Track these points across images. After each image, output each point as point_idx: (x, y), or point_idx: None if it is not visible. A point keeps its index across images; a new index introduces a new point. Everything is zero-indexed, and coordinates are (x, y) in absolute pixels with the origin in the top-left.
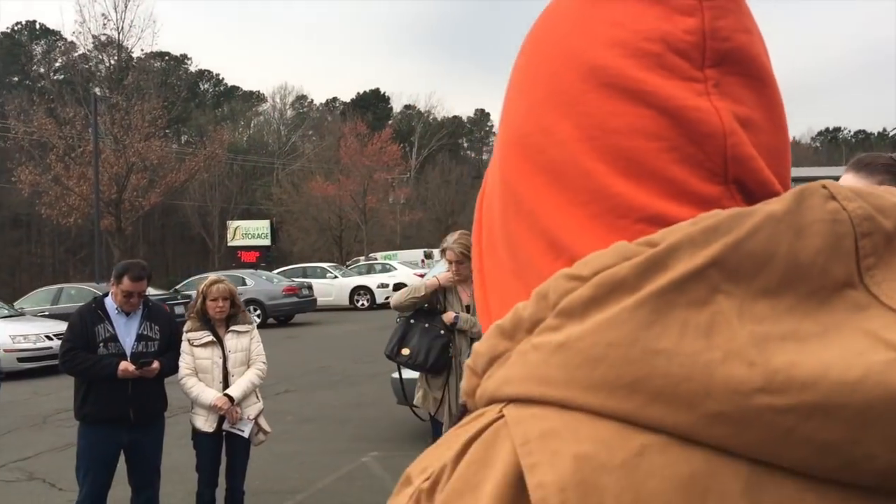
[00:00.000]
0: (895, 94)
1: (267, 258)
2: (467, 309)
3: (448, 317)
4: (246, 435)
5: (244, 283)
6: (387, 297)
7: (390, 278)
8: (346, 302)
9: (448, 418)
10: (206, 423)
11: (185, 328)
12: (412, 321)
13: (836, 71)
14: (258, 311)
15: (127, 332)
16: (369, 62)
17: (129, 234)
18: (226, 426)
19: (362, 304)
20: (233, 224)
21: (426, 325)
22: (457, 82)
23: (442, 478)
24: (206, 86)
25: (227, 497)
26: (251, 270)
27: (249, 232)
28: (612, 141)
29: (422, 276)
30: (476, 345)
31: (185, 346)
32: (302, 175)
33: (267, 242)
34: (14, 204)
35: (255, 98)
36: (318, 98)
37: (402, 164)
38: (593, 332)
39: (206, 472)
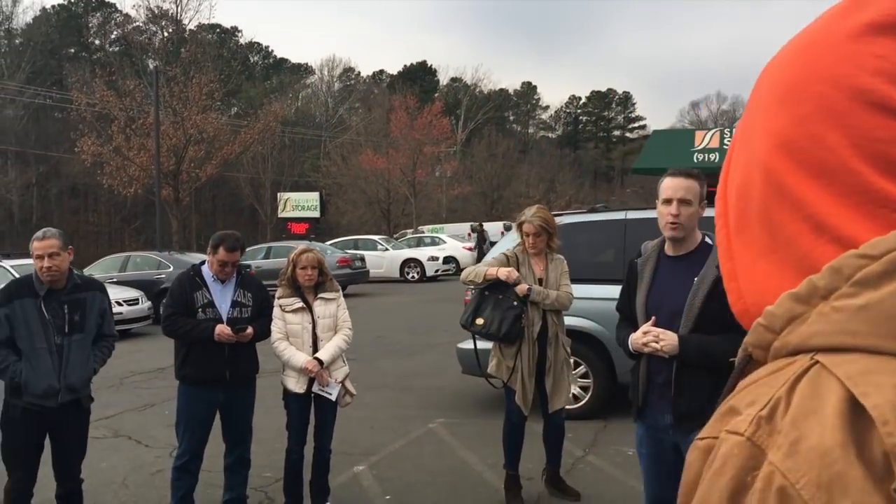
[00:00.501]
0: None
1: (316, 230)
2: (539, 282)
3: (521, 289)
4: (333, 397)
5: None
6: (437, 270)
7: (440, 251)
8: (396, 274)
9: (521, 386)
10: (296, 385)
11: (276, 295)
12: (486, 292)
13: None
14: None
15: (223, 298)
16: (416, 35)
17: (185, 205)
18: (315, 388)
19: (412, 277)
20: (284, 196)
21: (500, 297)
22: (504, 55)
23: (779, 406)
24: (255, 58)
25: (315, 455)
26: (305, 242)
27: (300, 204)
28: (876, 148)
29: (470, 249)
30: (769, 308)
31: (276, 311)
32: (350, 148)
33: (316, 214)
34: (73, 174)
35: (303, 70)
36: (366, 70)
37: (451, 137)
38: (890, 296)
39: (295, 430)
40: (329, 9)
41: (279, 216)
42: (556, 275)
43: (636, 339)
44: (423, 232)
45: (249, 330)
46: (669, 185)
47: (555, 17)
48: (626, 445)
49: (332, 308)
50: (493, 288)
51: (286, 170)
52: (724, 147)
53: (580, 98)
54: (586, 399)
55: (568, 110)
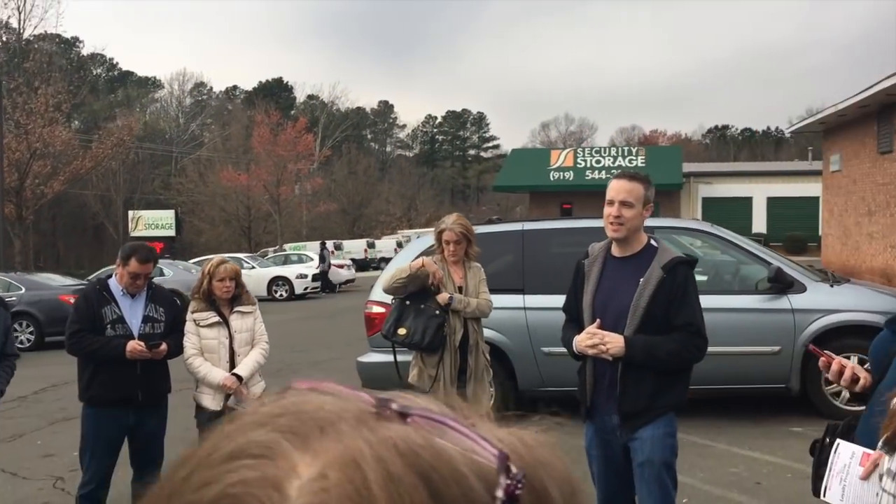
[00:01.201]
0: (778, 96)
1: (171, 249)
2: (460, 289)
3: (442, 298)
4: None
5: (162, 274)
6: (306, 288)
7: (308, 269)
8: (263, 292)
9: (443, 393)
10: (212, 402)
11: (190, 309)
12: (407, 302)
13: (726, 71)
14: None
15: (133, 313)
16: (271, 51)
17: (25, 224)
18: (232, 403)
19: (280, 295)
20: (136, 214)
21: (421, 306)
22: (361, 73)
23: None
24: (98, 70)
25: None
26: (168, 260)
27: (153, 222)
28: None
29: (339, 266)
30: None
31: (190, 326)
32: (208, 164)
33: (171, 233)
34: None
35: (150, 84)
36: (218, 86)
37: (312, 154)
38: None
39: None
40: (178, 22)
41: (132, 235)
42: (475, 282)
43: (581, 340)
44: (285, 250)
45: (163, 346)
46: (612, 187)
47: (411, 36)
48: None
49: (248, 322)
50: (414, 297)
51: (140, 186)
52: (578, 166)
53: (436, 117)
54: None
55: (425, 129)
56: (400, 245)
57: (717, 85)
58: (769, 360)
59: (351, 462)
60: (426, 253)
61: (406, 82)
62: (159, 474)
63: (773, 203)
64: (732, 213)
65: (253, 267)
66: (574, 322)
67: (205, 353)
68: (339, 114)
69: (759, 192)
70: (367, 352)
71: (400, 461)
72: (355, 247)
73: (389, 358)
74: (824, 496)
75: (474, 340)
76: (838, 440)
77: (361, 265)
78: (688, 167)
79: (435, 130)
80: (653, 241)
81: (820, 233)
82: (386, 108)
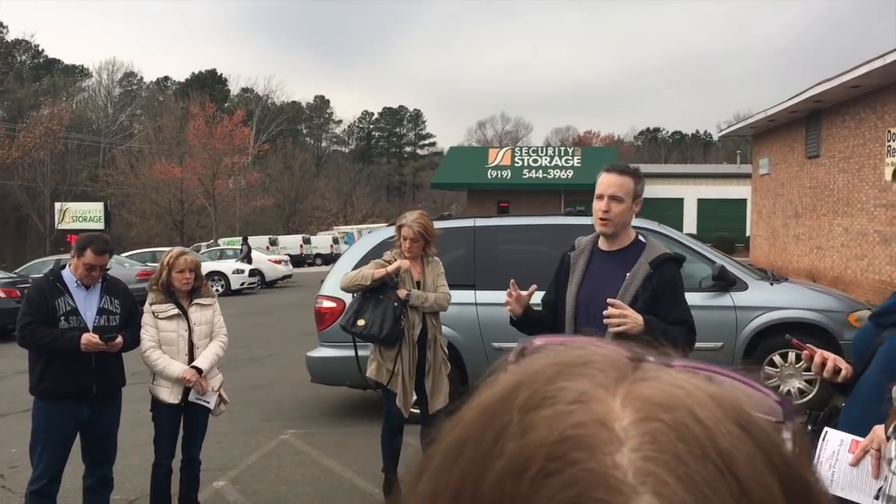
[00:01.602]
0: (707, 101)
1: None
2: (418, 285)
3: (401, 293)
4: (212, 406)
5: None
6: (242, 283)
7: (244, 264)
8: None
9: (402, 389)
10: (170, 395)
11: (148, 300)
12: (368, 294)
13: (656, 75)
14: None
15: (87, 305)
16: (205, 42)
17: None
18: (192, 397)
19: (216, 290)
20: (63, 206)
21: (380, 297)
22: (296, 68)
23: None
24: (23, 57)
25: (184, 468)
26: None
27: (81, 214)
28: None
29: (276, 262)
30: None
31: (148, 318)
32: (139, 156)
33: (100, 226)
34: None
35: (78, 73)
36: (149, 76)
37: (249, 147)
38: None
39: (165, 443)
40: (108, 10)
41: (58, 227)
42: (433, 276)
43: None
44: (219, 244)
45: (119, 339)
46: (602, 182)
47: (347, 32)
48: None
49: (208, 314)
50: (374, 290)
51: (68, 178)
52: (515, 165)
53: (373, 114)
54: None
55: (361, 125)
56: (336, 241)
57: (649, 88)
58: (712, 356)
59: (667, 404)
60: (379, 248)
61: (342, 77)
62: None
63: (704, 204)
64: (664, 213)
65: None
66: (550, 315)
67: (163, 345)
68: (274, 108)
69: (690, 194)
70: (317, 347)
71: (712, 403)
72: (291, 242)
73: (339, 353)
74: None
75: (432, 335)
76: (826, 428)
77: (297, 261)
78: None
79: (371, 126)
80: (641, 237)
81: (748, 233)
82: (322, 102)
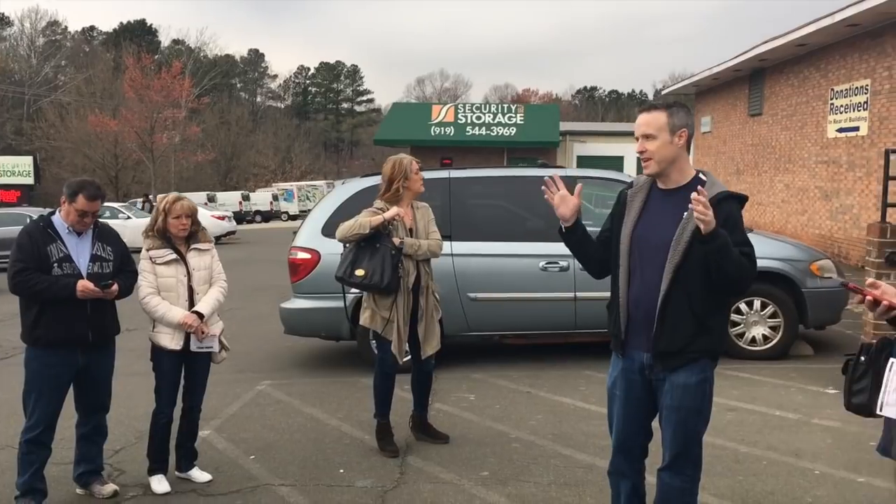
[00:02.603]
0: (643, 61)
1: (30, 198)
2: (410, 232)
3: (394, 243)
4: (216, 349)
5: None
6: None
7: None
8: (140, 244)
9: (397, 336)
10: (171, 341)
11: (145, 246)
12: (362, 244)
13: (594, 34)
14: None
15: (80, 252)
16: None
17: None
18: (193, 343)
19: None
20: None
21: (377, 245)
22: (229, 19)
23: None
24: None
25: (185, 416)
26: (35, 209)
27: (8, 169)
28: None
29: (220, 218)
30: None
31: (145, 264)
32: (70, 109)
33: (30, 181)
34: None
35: None
36: (74, 26)
37: (193, 101)
38: None
39: (168, 390)
40: None
41: None
42: (424, 223)
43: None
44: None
45: (115, 286)
46: (636, 124)
47: None
48: (464, 392)
49: (206, 259)
50: (369, 239)
51: None
52: (459, 122)
53: (309, 69)
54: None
55: (297, 80)
56: (275, 198)
57: (586, 47)
58: None
59: None
60: (353, 200)
61: (277, 31)
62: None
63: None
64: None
65: (129, 217)
66: (601, 247)
67: (162, 291)
68: (206, 61)
69: (630, 151)
70: (291, 298)
71: None
72: (230, 199)
73: (314, 304)
74: (881, 411)
75: (426, 282)
76: (892, 359)
77: (237, 218)
78: (563, 126)
79: (308, 82)
80: (701, 175)
81: None
82: (256, 56)
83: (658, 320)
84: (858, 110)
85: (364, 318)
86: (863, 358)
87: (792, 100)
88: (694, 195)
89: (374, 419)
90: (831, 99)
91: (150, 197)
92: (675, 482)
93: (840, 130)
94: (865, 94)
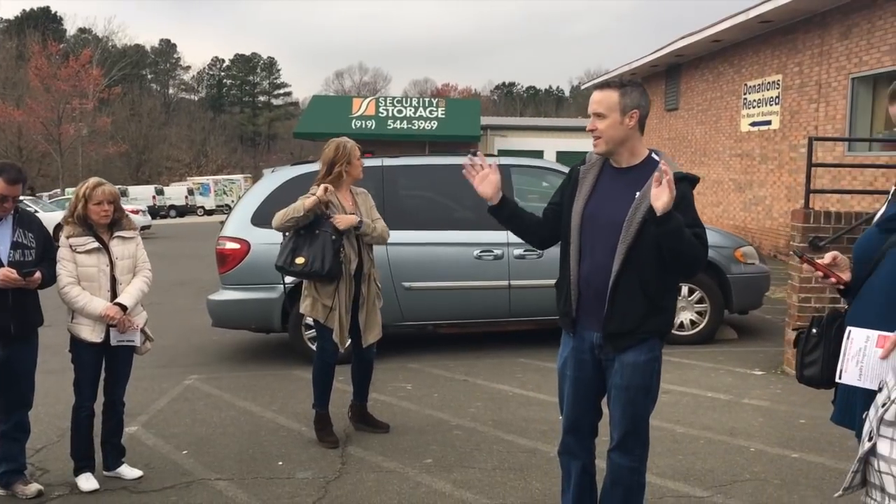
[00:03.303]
0: (559, 57)
1: None
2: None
3: (348, 220)
4: (138, 343)
5: None
6: None
7: None
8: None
9: (339, 324)
10: (92, 334)
11: (63, 234)
12: (301, 231)
13: (511, 30)
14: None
15: (0, 239)
16: None
17: None
18: (114, 336)
19: None
20: None
21: (316, 232)
22: (140, 8)
23: None
24: None
25: (107, 411)
26: None
27: None
28: None
29: (133, 212)
30: None
31: (65, 252)
32: None
33: None
34: None
35: None
36: None
37: (103, 91)
38: None
39: (88, 384)
40: None
41: None
42: (366, 208)
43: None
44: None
45: (38, 274)
46: (589, 101)
47: None
48: (401, 382)
49: (130, 248)
50: (308, 226)
51: None
52: (380, 115)
53: (224, 60)
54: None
55: (211, 72)
56: (191, 192)
57: (503, 42)
58: None
59: None
60: (283, 189)
61: (190, 21)
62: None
63: (562, 156)
64: None
65: (36, 211)
66: (550, 222)
67: (82, 281)
68: (115, 51)
69: (550, 146)
70: (219, 290)
71: None
72: (142, 193)
73: (243, 296)
74: (840, 379)
75: (368, 269)
76: (850, 328)
77: (151, 213)
78: (484, 120)
79: (223, 74)
80: (654, 155)
81: None
82: (168, 47)
83: (609, 301)
84: (770, 105)
85: (304, 307)
86: (814, 330)
87: (707, 95)
88: (663, 167)
89: (313, 410)
90: (745, 94)
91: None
92: (625, 461)
93: (753, 124)
94: (777, 89)
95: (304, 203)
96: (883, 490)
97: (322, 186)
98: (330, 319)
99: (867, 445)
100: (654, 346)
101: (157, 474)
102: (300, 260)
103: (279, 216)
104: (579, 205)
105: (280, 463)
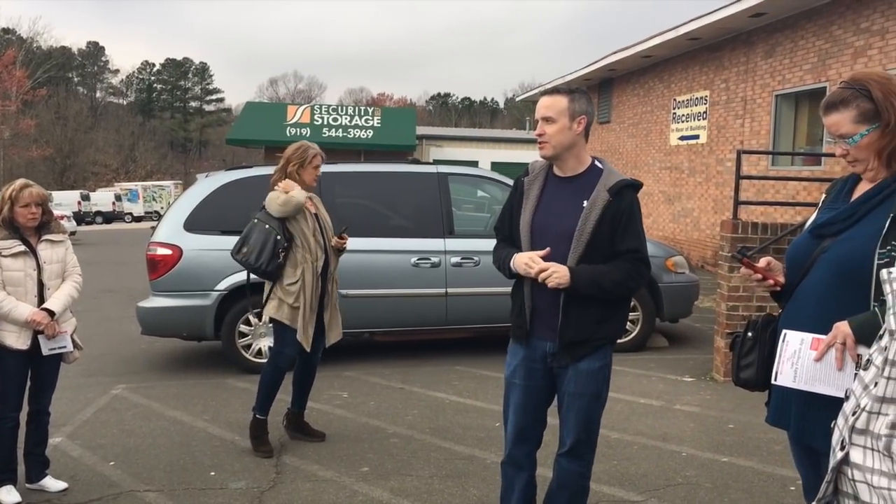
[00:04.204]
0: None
1: None
2: (315, 217)
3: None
4: (69, 349)
5: None
6: None
7: None
8: None
9: (303, 324)
10: (17, 341)
11: None
12: (256, 220)
13: (447, 41)
14: None
15: None
16: None
17: None
18: (45, 344)
19: None
20: None
21: (266, 226)
22: (66, 9)
23: None
24: None
25: (32, 421)
26: None
27: None
28: None
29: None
30: None
31: None
32: None
33: None
34: None
35: None
36: None
37: (28, 92)
38: None
39: (14, 393)
40: None
41: None
42: (324, 211)
43: (521, 262)
44: None
45: None
46: (537, 106)
47: None
48: (336, 390)
49: (59, 252)
50: (264, 218)
51: None
52: (315, 123)
53: (154, 64)
54: None
55: (141, 76)
56: (118, 198)
57: (439, 53)
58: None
59: None
60: (218, 194)
61: (119, 24)
62: None
63: (497, 167)
64: None
65: None
66: (506, 241)
67: (7, 286)
68: (40, 52)
69: (484, 157)
70: (149, 297)
71: None
72: (67, 199)
73: (174, 303)
74: (775, 381)
75: (334, 267)
76: (785, 330)
77: (76, 218)
78: (420, 130)
79: (153, 78)
80: (597, 163)
81: None
82: (96, 49)
83: (563, 311)
84: (698, 120)
85: (270, 309)
86: (750, 334)
87: (638, 108)
88: (532, 273)
89: (253, 415)
90: (674, 108)
91: None
92: (574, 467)
93: (682, 138)
94: (705, 104)
95: (296, 200)
96: (857, 498)
97: (305, 194)
98: (295, 320)
99: (839, 455)
100: (606, 353)
101: (82, 486)
102: (246, 249)
103: (282, 201)
104: (527, 216)
105: (212, 473)
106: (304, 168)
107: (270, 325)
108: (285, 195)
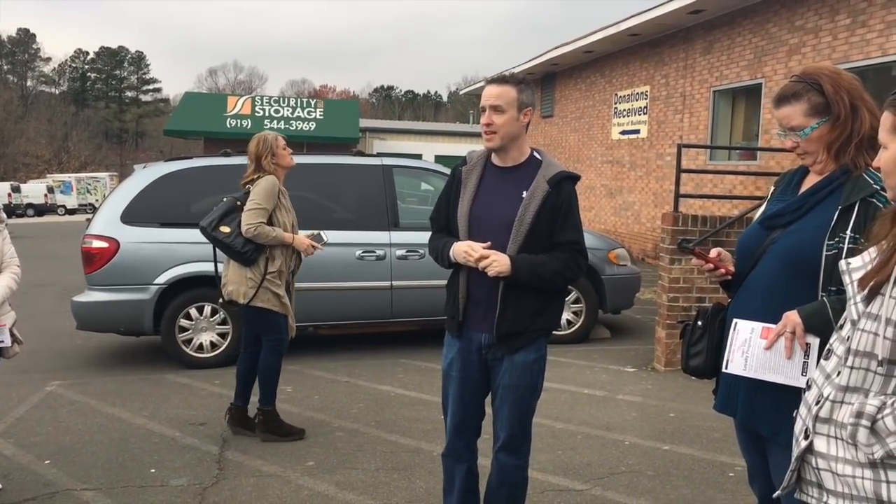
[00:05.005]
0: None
1: None
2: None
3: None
4: (8, 343)
5: None
6: None
7: None
8: None
9: (291, 312)
10: None
11: None
12: (240, 203)
13: (390, 34)
14: None
15: None
16: None
17: None
18: None
19: None
20: None
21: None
22: None
23: None
24: None
25: None
26: None
27: None
28: None
29: None
30: None
31: None
32: None
33: None
34: None
35: None
36: None
37: None
38: None
39: None
40: None
41: None
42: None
43: (461, 250)
44: None
45: None
46: (483, 94)
47: None
48: (280, 384)
49: None
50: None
51: None
52: (256, 114)
53: (88, 53)
54: (224, 347)
55: (74, 65)
56: (51, 190)
57: (382, 46)
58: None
59: None
60: (156, 185)
61: (51, 11)
62: None
63: (440, 160)
64: None
65: None
66: (442, 231)
67: None
68: None
69: (428, 150)
70: (85, 291)
71: None
72: None
73: (111, 297)
74: (726, 369)
75: (299, 262)
76: (736, 319)
77: (6, 211)
78: (363, 123)
79: (87, 67)
80: (536, 154)
81: None
82: (27, 36)
83: (501, 302)
84: (639, 114)
85: (263, 301)
86: (699, 322)
87: (580, 103)
88: (471, 260)
89: (261, 411)
90: (615, 103)
91: None
92: (511, 460)
93: (623, 133)
94: (645, 99)
95: (290, 240)
96: (821, 486)
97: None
98: (283, 306)
99: (803, 444)
100: (541, 345)
101: (16, 486)
102: (225, 229)
103: (266, 231)
104: (465, 206)
105: (153, 470)
106: (277, 155)
107: (233, 312)
108: (277, 234)
